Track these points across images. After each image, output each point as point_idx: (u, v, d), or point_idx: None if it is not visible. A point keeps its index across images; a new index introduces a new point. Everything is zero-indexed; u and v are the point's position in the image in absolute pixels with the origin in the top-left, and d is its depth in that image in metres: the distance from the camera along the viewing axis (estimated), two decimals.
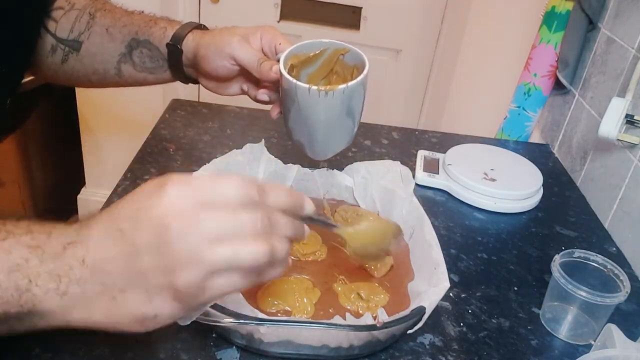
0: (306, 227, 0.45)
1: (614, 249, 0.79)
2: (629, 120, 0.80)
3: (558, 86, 1.06)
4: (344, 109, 0.63)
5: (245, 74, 0.69)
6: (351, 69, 0.67)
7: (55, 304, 0.37)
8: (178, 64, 0.70)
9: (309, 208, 0.45)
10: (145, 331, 0.40)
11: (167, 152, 0.87)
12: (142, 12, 0.73)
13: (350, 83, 0.60)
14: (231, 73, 0.68)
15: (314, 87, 0.59)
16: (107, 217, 0.39)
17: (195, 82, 0.74)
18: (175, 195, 0.37)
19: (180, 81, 0.74)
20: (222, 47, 0.66)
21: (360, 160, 0.77)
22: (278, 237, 0.40)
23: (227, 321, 0.50)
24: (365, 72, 0.62)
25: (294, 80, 0.60)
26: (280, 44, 0.67)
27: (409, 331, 0.55)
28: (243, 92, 0.73)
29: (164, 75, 0.73)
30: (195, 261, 0.37)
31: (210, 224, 0.37)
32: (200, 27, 0.72)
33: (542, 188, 0.88)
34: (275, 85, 0.68)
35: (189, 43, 0.69)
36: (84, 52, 0.71)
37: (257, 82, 0.70)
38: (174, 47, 0.69)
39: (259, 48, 0.67)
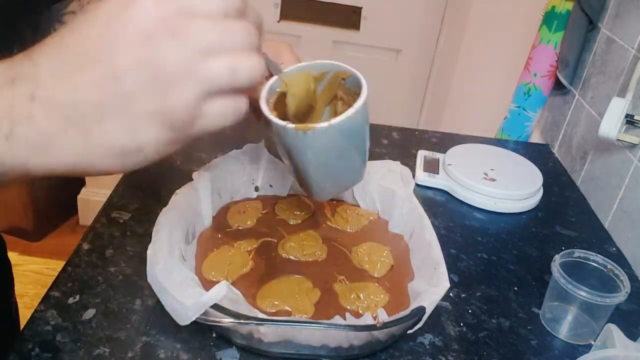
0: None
1: (614, 249, 0.79)
2: (629, 120, 0.80)
3: (558, 86, 1.06)
4: (334, 147, 0.51)
5: None
6: (354, 94, 0.57)
7: (2, 150, 0.32)
8: None
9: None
10: (125, 170, 0.36)
11: None
12: None
13: (333, 121, 0.48)
14: None
15: (291, 126, 0.48)
16: (62, 42, 0.33)
17: None
18: (153, 4, 0.32)
19: None
20: None
21: None
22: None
23: (227, 321, 0.50)
24: (361, 101, 0.50)
25: (272, 117, 0.49)
26: (282, 63, 0.62)
27: (409, 331, 0.55)
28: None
29: None
30: (190, 76, 0.33)
31: (201, 33, 0.33)
32: None
33: (542, 188, 0.88)
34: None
35: None
36: None
37: None
38: None
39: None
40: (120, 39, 0.32)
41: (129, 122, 0.33)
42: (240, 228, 0.68)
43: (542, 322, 0.64)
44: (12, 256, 0.76)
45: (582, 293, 0.58)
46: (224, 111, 0.36)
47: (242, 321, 0.50)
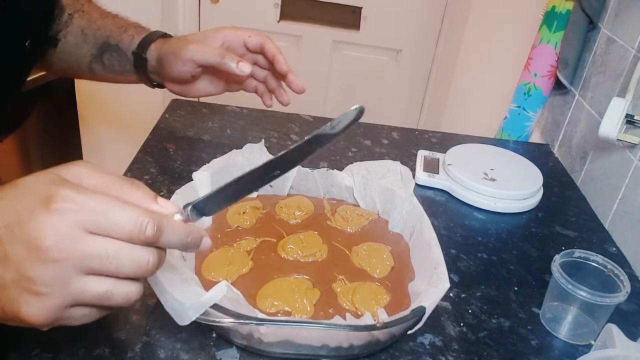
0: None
1: (614, 249, 0.79)
2: (629, 120, 0.80)
3: (558, 86, 1.06)
4: None
5: (210, 72, 0.72)
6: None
7: None
8: (144, 70, 0.74)
9: (205, 246, 0.42)
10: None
11: (167, 152, 0.87)
12: (117, 15, 0.77)
13: None
14: (195, 75, 0.72)
15: None
16: None
17: (162, 86, 0.77)
18: (60, 214, 0.34)
19: (147, 85, 0.77)
20: (181, 54, 0.69)
21: (360, 160, 0.77)
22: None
23: (227, 321, 0.49)
24: None
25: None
26: (250, 36, 0.69)
27: (409, 331, 0.55)
28: (211, 94, 0.76)
29: (131, 78, 0.77)
30: (60, 292, 0.34)
31: (93, 255, 0.34)
32: (165, 35, 0.75)
33: (542, 188, 0.88)
34: (240, 77, 0.70)
35: (152, 52, 0.72)
36: (60, 49, 0.75)
37: (226, 76, 0.74)
38: (139, 56, 0.73)
39: (218, 47, 0.70)
40: (17, 235, 0.34)
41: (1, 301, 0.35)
42: (240, 228, 0.68)
43: (542, 322, 0.64)
44: None
45: (582, 293, 0.58)
46: (87, 316, 0.37)
47: (242, 321, 0.50)
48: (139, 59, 0.73)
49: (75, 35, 0.74)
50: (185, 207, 0.42)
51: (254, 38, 0.71)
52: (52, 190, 0.35)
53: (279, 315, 0.56)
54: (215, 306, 0.49)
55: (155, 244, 0.37)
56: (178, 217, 0.41)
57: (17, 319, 0.36)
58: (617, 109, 0.80)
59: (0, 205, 0.36)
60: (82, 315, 0.37)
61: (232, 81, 0.77)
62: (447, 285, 0.55)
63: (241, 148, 0.74)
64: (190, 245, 0.41)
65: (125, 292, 0.36)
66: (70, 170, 0.37)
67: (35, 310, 0.35)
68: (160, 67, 0.72)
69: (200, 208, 0.43)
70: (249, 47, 0.74)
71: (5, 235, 0.34)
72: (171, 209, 0.40)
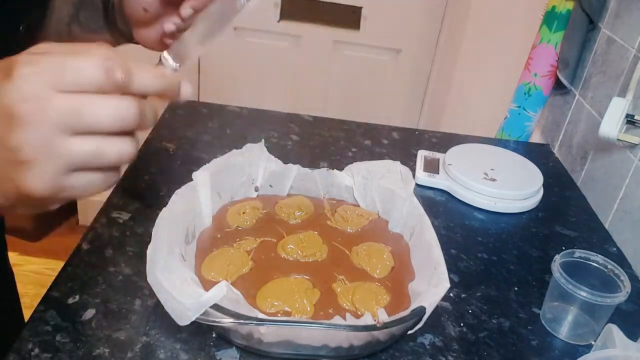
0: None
1: (615, 249, 0.79)
2: (630, 120, 0.80)
3: (558, 86, 1.06)
4: None
5: (167, 11, 0.64)
6: None
7: None
8: (113, 20, 0.69)
9: (186, 93, 0.40)
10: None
11: (167, 152, 0.87)
12: None
13: None
14: (147, 9, 0.64)
15: None
16: None
17: (131, 39, 0.70)
18: (25, 79, 0.32)
19: (121, 42, 0.71)
20: None
21: (360, 160, 0.77)
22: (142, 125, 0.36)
23: (227, 321, 0.49)
24: None
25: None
26: None
27: (409, 331, 0.55)
28: (167, 35, 0.66)
29: (105, 36, 0.71)
30: (48, 156, 0.33)
31: (67, 110, 0.33)
32: None
33: (542, 188, 0.88)
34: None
35: None
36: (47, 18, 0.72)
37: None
38: (107, 2, 0.67)
39: None
40: None
41: None
42: (240, 228, 0.68)
43: (543, 322, 0.64)
44: (12, 256, 0.76)
45: (583, 293, 0.58)
46: (91, 183, 0.35)
47: (241, 321, 0.50)
48: (107, 7, 0.68)
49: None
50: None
51: None
52: (13, 60, 0.34)
53: (279, 315, 0.56)
54: (215, 306, 0.49)
55: (129, 90, 0.35)
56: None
57: (19, 197, 0.35)
58: (618, 108, 0.80)
59: None
60: (86, 183, 0.35)
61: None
62: (447, 285, 0.55)
63: (241, 148, 0.74)
64: (169, 89, 0.38)
65: (117, 148, 0.35)
66: (35, 47, 0.36)
67: (32, 180, 0.33)
68: (120, 12, 0.67)
69: (173, 50, 0.42)
70: None
71: None
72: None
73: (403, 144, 0.99)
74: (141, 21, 0.67)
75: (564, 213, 0.86)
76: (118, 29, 0.70)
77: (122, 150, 0.35)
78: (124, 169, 0.38)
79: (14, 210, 0.36)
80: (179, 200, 0.61)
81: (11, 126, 0.32)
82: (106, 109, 0.34)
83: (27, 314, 0.58)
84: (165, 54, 0.42)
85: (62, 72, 0.33)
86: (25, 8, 0.63)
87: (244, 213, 0.70)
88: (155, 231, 0.56)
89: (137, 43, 0.71)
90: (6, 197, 0.35)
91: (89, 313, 0.56)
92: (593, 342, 0.61)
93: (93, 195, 0.37)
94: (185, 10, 0.60)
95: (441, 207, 0.83)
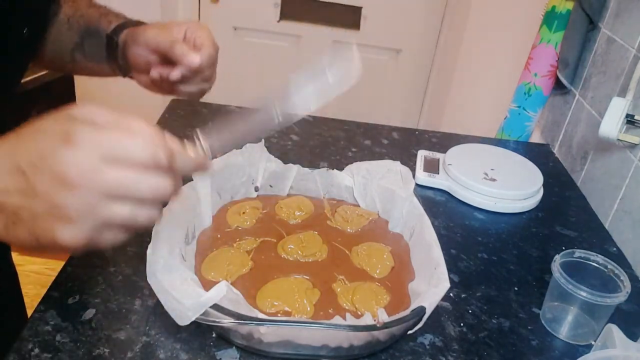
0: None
1: (615, 249, 0.79)
2: (630, 120, 0.80)
3: (558, 86, 1.06)
4: None
5: (164, 62, 0.68)
6: None
7: None
8: (114, 55, 0.72)
9: (212, 169, 0.47)
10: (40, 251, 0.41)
11: None
12: (104, 6, 0.75)
13: None
14: (150, 61, 0.68)
15: None
16: (10, 151, 0.39)
17: (127, 75, 0.74)
18: (81, 148, 0.37)
19: (118, 74, 0.74)
20: (138, 37, 0.68)
21: (360, 160, 0.77)
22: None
23: (227, 321, 0.49)
24: None
25: None
26: (199, 36, 0.66)
27: (409, 331, 0.55)
28: (157, 79, 0.69)
29: (104, 67, 0.74)
30: (88, 217, 0.38)
31: (112, 181, 0.38)
32: (142, 23, 0.72)
33: (542, 188, 0.88)
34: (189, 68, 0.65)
35: (123, 37, 0.70)
36: (48, 36, 0.73)
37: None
38: (111, 39, 0.71)
39: (178, 36, 0.67)
40: (44, 170, 0.37)
41: (31, 234, 0.39)
42: (240, 228, 0.68)
43: (543, 322, 0.64)
44: (13, 256, 0.76)
45: (583, 293, 0.58)
46: (116, 238, 0.40)
47: (241, 321, 0.50)
48: (111, 43, 0.71)
49: (62, 23, 0.74)
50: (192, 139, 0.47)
51: (201, 40, 0.66)
52: (70, 128, 0.38)
53: (279, 315, 0.56)
54: (215, 306, 0.49)
55: (170, 170, 0.41)
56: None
57: (53, 245, 0.39)
58: (618, 108, 0.80)
59: (20, 145, 0.39)
60: (112, 237, 0.40)
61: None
62: (447, 285, 0.55)
63: (241, 148, 0.74)
64: (200, 168, 0.46)
65: (147, 214, 0.40)
66: (81, 110, 0.40)
67: (71, 234, 0.38)
68: (123, 51, 0.70)
69: (208, 138, 0.48)
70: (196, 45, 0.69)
71: (30, 171, 0.38)
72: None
73: (403, 144, 0.99)
74: (139, 67, 0.71)
75: (564, 213, 0.86)
76: (117, 64, 0.73)
77: (151, 216, 0.40)
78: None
79: (38, 250, 0.41)
80: (179, 200, 0.61)
81: (61, 187, 0.37)
82: (147, 187, 0.39)
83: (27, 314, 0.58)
84: (199, 134, 0.48)
85: (115, 150, 0.38)
86: (29, 13, 0.64)
87: (244, 213, 0.70)
88: (155, 231, 0.56)
89: (132, 78, 0.74)
90: (39, 242, 0.39)
91: (89, 313, 0.56)
92: (593, 342, 0.61)
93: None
94: (175, 74, 0.65)
95: (441, 207, 0.83)
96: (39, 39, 0.71)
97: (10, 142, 0.40)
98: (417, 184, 0.83)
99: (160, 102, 1.62)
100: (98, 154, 0.38)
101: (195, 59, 0.65)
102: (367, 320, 0.53)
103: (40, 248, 0.40)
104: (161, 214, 0.41)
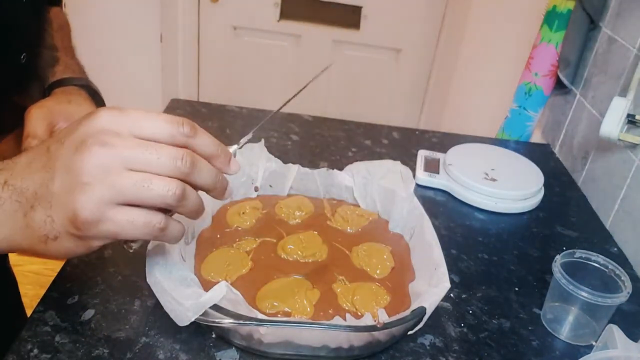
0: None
1: (615, 249, 0.79)
2: (631, 120, 0.79)
3: (559, 86, 1.06)
4: None
5: None
6: None
7: None
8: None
9: (234, 169, 0.46)
10: (48, 254, 0.41)
11: None
12: (67, 47, 0.74)
13: None
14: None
15: None
16: (42, 143, 0.41)
17: None
18: (105, 119, 0.38)
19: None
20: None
21: (360, 160, 0.77)
22: (192, 185, 0.41)
23: (227, 322, 0.49)
24: None
25: None
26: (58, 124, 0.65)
27: (410, 332, 0.55)
28: None
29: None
30: (101, 180, 0.37)
31: (131, 149, 0.38)
32: (83, 86, 0.70)
33: (543, 188, 0.87)
34: None
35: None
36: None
37: None
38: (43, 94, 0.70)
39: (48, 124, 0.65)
40: (66, 142, 0.39)
41: (49, 211, 0.39)
42: (240, 228, 0.68)
43: (543, 322, 0.64)
44: (12, 256, 0.76)
45: (583, 293, 0.58)
46: (132, 221, 0.39)
47: (241, 322, 0.49)
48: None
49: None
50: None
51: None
52: (96, 109, 0.40)
53: (279, 315, 0.56)
54: (215, 307, 0.49)
55: (188, 178, 0.40)
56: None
57: (71, 224, 0.38)
58: (618, 108, 0.80)
59: (41, 153, 0.40)
60: (125, 221, 0.39)
61: None
62: (448, 285, 0.55)
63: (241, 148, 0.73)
64: (218, 188, 0.45)
65: (161, 184, 0.38)
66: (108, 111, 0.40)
67: (87, 200, 0.37)
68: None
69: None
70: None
71: (54, 147, 0.39)
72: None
73: (403, 144, 0.99)
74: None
75: (564, 213, 0.86)
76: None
77: (166, 187, 0.39)
78: (176, 229, 0.43)
79: (54, 244, 0.40)
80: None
81: (77, 151, 0.37)
82: (168, 154, 0.39)
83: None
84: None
85: (140, 121, 0.39)
86: (26, 39, 0.65)
87: (243, 213, 0.70)
88: None
89: None
90: (54, 227, 0.39)
91: (89, 313, 0.56)
92: (594, 343, 0.61)
93: (136, 235, 0.40)
94: None
95: (441, 207, 0.83)
96: (35, 63, 0.70)
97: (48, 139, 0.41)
98: (417, 184, 0.83)
99: (159, 101, 1.62)
100: (121, 125, 0.38)
101: None
102: (367, 320, 0.53)
103: (54, 239, 0.39)
104: (178, 191, 0.39)
